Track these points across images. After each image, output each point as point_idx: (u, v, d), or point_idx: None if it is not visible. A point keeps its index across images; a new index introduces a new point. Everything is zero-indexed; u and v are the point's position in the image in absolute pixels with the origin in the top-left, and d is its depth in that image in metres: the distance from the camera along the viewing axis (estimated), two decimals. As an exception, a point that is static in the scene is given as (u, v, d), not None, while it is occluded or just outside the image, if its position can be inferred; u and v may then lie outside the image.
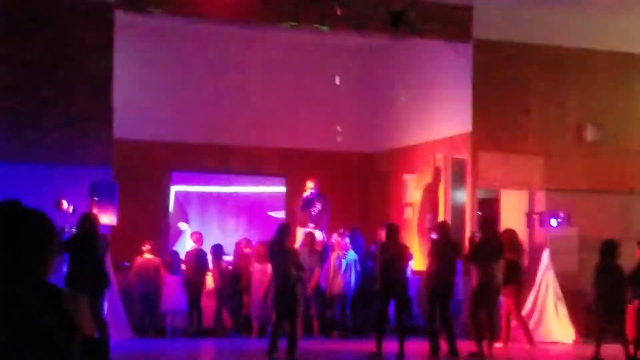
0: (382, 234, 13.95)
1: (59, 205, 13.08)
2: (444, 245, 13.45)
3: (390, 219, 17.87)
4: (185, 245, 16.69)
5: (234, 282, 15.99)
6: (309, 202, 16.75)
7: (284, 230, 13.20)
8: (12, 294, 2.72)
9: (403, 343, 12.76)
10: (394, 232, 13.38)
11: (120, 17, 15.10)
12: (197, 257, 16.03)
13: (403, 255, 13.28)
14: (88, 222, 11.67)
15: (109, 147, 15.16)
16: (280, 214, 18.04)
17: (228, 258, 16.42)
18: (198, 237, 16.33)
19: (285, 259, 12.72)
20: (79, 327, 2.75)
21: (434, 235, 14.46)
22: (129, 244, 15.60)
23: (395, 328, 13.21)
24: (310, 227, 16.56)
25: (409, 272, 13.52)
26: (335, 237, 16.10)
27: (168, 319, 15.59)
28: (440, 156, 17.21)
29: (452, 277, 13.48)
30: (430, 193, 17.36)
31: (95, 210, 13.24)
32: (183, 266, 15.90)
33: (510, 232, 14.84)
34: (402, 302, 13.08)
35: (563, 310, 15.46)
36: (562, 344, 15.17)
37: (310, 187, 16.82)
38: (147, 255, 15.85)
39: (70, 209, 13.14)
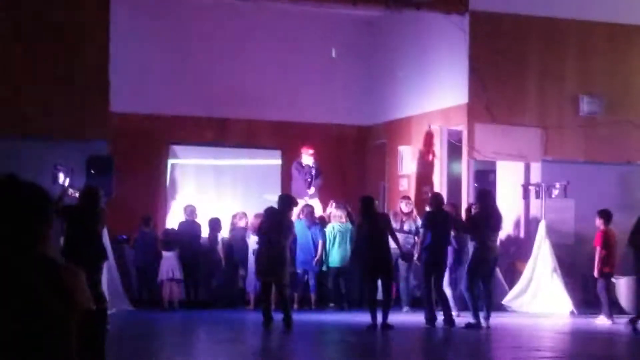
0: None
1: (55, 179, 13.09)
2: (437, 217, 13.49)
3: (387, 191, 17.96)
4: (183, 215, 16.66)
5: (229, 254, 16.02)
6: (307, 169, 16.71)
7: (285, 201, 13.22)
8: (10, 268, 2.73)
9: (387, 314, 12.83)
10: (368, 205, 13.35)
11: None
12: (191, 229, 16.05)
13: (384, 226, 13.24)
14: (89, 196, 11.66)
15: (106, 120, 15.14)
16: (275, 197, 18.07)
17: (224, 230, 16.46)
18: (192, 210, 16.32)
19: (279, 231, 12.75)
20: (77, 300, 2.77)
21: (427, 207, 14.51)
22: (126, 217, 15.63)
23: (383, 301, 13.23)
24: (308, 198, 16.57)
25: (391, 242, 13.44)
26: (331, 209, 16.11)
27: (165, 290, 15.63)
28: (436, 127, 17.21)
29: (445, 248, 13.55)
30: (426, 165, 17.38)
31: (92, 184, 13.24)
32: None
33: (454, 206, 14.98)
34: (387, 275, 13.13)
35: (559, 281, 15.51)
36: (559, 315, 15.24)
37: (310, 153, 16.77)
38: (145, 228, 15.88)
39: (67, 183, 13.14)
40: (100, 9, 14.89)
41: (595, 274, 14.23)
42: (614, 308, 14.46)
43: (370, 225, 13.00)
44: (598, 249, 14.18)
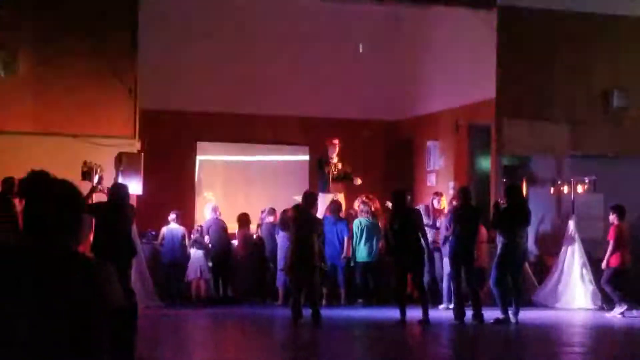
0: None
1: (85, 175, 13.18)
2: (465, 211, 13.44)
3: (414, 186, 17.91)
4: (209, 214, 16.72)
5: (259, 250, 16.07)
6: (328, 164, 16.63)
7: (310, 199, 13.22)
8: (43, 264, 2.76)
9: (426, 310, 12.82)
10: (400, 198, 13.31)
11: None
12: (220, 227, 16.11)
13: (415, 221, 13.19)
14: (119, 193, 11.76)
15: (135, 117, 15.23)
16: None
17: (253, 226, 16.50)
18: (216, 208, 16.41)
19: (310, 228, 12.75)
20: (108, 296, 2.80)
21: (454, 202, 14.46)
22: (155, 213, 15.72)
23: (418, 296, 13.24)
24: (334, 194, 16.49)
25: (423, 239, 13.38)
26: (358, 204, 16.08)
27: (193, 286, 15.73)
28: (463, 123, 17.16)
29: (472, 242, 13.46)
30: (454, 160, 17.33)
31: (120, 180, 13.35)
32: (207, 238, 15.98)
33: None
34: (417, 271, 13.09)
35: (589, 277, 15.43)
36: (588, 310, 15.17)
37: (334, 143, 16.63)
38: (173, 225, 15.96)
39: (96, 180, 13.23)
40: (129, 7, 14.96)
41: (603, 265, 14.44)
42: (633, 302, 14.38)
43: (402, 219, 12.95)
44: (611, 242, 14.35)
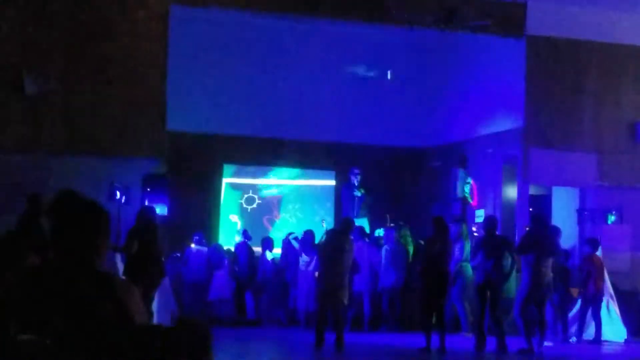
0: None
1: (112, 196, 13.27)
2: (489, 240, 13.38)
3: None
4: (235, 237, 16.78)
5: (282, 274, 16.08)
6: (354, 190, 16.74)
7: (348, 225, 13.16)
8: (68, 282, 2.78)
9: (444, 338, 12.75)
10: (442, 226, 13.30)
11: (175, 9, 15.22)
12: (245, 250, 16.15)
13: (448, 251, 13.20)
14: (147, 216, 11.88)
15: (162, 139, 15.31)
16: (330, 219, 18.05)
17: (277, 250, 16.52)
18: (245, 232, 16.47)
19: (341, 253, 12.70)
20: (131, 315, 2.81)
21: (475, 233, 14.41)
22: (180, 234, 15.76)
23: (437, 323, 13.17)
24: (360, 218, 16.55)
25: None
26: (384, 231, 16.08)
27: (215, 308, 15.76)
28: (491, 151, 17.11)
29: (497, 272, 13.35)
30: (480, 189, 17.27)
31: (147, 202, 13.43)
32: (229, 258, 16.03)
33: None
34: (443, 296, 13.05)
35: (615, 309, 15.29)
36: (613, 343, 15.02)
37: (355, 173, 16.86)
38: (197, 246, 16.00)
39: (123, 200, 13.32)
40: (160, 30, 15.08)
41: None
42: None
43: (441, 245, 12.98)
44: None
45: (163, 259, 13.28)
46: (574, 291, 15.96)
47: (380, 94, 18.81)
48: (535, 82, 16.25)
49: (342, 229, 13.09)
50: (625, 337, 15.12)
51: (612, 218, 15.81)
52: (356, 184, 16.86)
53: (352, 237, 13.26)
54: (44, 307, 2.71)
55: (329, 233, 13.35)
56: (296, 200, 19.11)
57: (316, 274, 14.04)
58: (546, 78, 16.34)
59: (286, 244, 16.37)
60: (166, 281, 14.35)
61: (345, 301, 12.83)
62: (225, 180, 18.80)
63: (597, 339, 14.70)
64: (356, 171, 16.92)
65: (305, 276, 15.36)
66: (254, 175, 19.11)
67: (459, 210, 17.82)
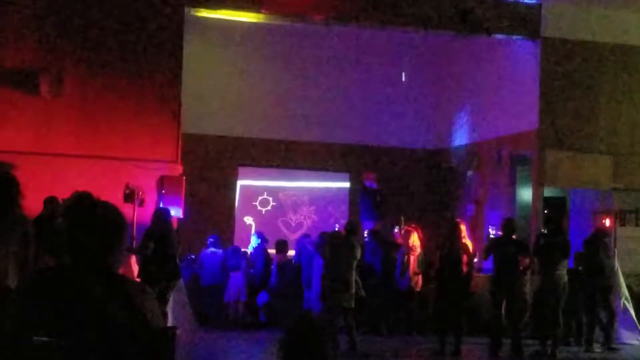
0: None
1: (127, 198, 13.30)
2: (502, 243, 13.32)
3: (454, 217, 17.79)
4: (250, 240, 16.79)
5: (296, 275, 16.06)
6: (372, 193, 16.74)
7: (350, 226, 13.21)
8: (83, 284, 2.80)
9: (459, 341, 12.73)
10: (456, 229, 13.27)
11: (191, 13, 15.26)
12: (260, 253, 16.16)
13: (463, 254, 13.15)
14: (163, 218, 11.94)
15: (177, 141, 15.35)
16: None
17: (291, 252, 16.52)
18: (262, 234, 16.48)
19: (349, 256, 12.71)
20: (146, 317, 2.82)
21: (492, 234, 14.35)
22: (196, 236, 15.79)
23: (450, 326, 13.13)
24: (374, 222, 16.54)
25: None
26: (400, 234, 16.04)
27: (231, 310, 15.77)
28: (505, 153, 17.07)
29: (510, 275, 13.24)
30: (495, 190, 17.23)
31: (162, 204, 13.47)
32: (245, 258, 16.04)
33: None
34: (460, 301, 13.01)
35: (631, 312, 15.21)
36: (630, 345, 14.94)
37: (372, 177, 16.83)
38: (212, 249, 16.02)
39: (139, 202, 13.36)
40: (174, 33, 15.11)
41: None
42: None
43: (455, 247, 12.99)
44: None
45: (178, 260, 13.31)
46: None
47: (395, 96, 18.80)
48: (549, 84, 16.20)
49: (347, 231, 13.08)
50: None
51: (628, 220, 15.72)
52: (374, 187, 16.83)
53: (355, 238, 13.24)
54: (57, 309, 2.73)
55: (333, 235, 13.39)
56: (311, 202, 19.11)
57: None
58: (561, 79, 16.29)
59: (300, 246, 16.36)
60: (181, 283, 14.38)
61: (351, 303, 12.78)
62: (240, 183, 18.82)
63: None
64: (371, 175, 16.90)
65: (319, 278, 15.32)
66: (269, 178, 19.12)
67: (473, 212, 17.79)
